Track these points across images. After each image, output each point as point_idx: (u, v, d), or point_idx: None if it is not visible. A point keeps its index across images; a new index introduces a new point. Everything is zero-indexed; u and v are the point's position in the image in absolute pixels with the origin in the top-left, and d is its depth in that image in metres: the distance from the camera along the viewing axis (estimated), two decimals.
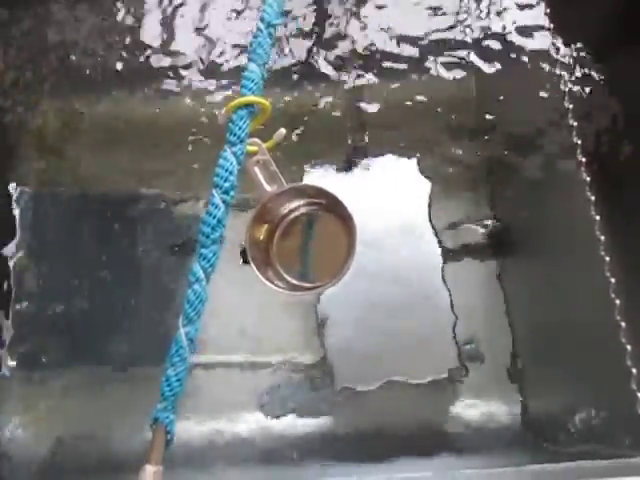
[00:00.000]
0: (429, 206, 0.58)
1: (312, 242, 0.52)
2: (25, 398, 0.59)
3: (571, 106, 0.51)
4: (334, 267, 0.47)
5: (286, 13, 0.67)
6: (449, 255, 0.59)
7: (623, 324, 0.43)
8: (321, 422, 0.57)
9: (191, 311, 0.36)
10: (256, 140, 0.47)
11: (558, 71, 0.53)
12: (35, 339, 0.59)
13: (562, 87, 0.52)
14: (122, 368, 0.58)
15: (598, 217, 0.47)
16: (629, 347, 0.44)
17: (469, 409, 0.58)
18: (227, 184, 0.39)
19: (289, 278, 0.50)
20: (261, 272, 0.48)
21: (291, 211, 0.51)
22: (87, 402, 0.59)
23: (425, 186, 0.59)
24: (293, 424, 0.58)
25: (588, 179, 0.48)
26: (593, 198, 0.47)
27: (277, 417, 0.58)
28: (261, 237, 0.50)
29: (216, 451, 0.56)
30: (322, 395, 0.58)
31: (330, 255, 0.49)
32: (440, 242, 0.58)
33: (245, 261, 0.62)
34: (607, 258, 0.45)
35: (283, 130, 0.47)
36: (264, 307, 0.61)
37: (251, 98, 0.41)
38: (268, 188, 0.48)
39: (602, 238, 0.46)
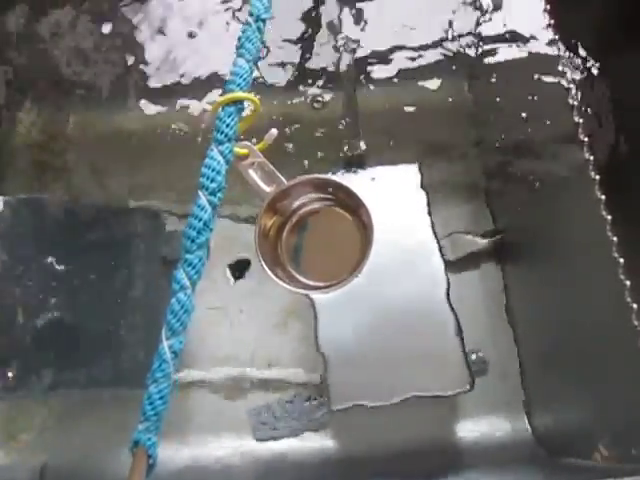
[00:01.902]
0: (429, 215, 0.56)
1: (323, 238, 0.50)
2: (7, 425, 0.58)
3: (575, 103, 0.49)
4: (347, 264, 0.46)
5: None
6: (451, 266, 0.58)
7: None
8: (318, 443, 0.56)
9: (175, 322, 0.34)
10: (246, 143, 0.46)
11: (560, 68, 0.51)
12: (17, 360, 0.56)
13: (564, 84, 0.50)
14: (108, 389, 0.55)
15: (609, 217, 0.44)
16: None
17: (477, 424, 0.57)
18: (214, 185, 0.36)
19: (299, 276, 0.49)
20: (271, 270, 0.47)
21: (301, 206, 0.50)
22: (71, 427, 0.57)
23: (424, 196, 0.57)
24: (288, 446, 0.55)
25: (597, 177, 0.45)
26: (603, 197, 0.45)
27: (272, 439, 0.56)
28: (269, 225, 0.49)
29: (204, 476, 0.54)
30: (319, 415, 0.56)
31: (342, 251, 0.48)
32: (442, 253, 0.55)
33: (236, 276, 0.61)
34: (621, 260, 0.43)
35: (274, 130, 0.46)
36: (259, 323, 0.60)
37: (239, 94, 0.39)
38: (267, 189, 0.47)
39: (614, 239, 0.44)
